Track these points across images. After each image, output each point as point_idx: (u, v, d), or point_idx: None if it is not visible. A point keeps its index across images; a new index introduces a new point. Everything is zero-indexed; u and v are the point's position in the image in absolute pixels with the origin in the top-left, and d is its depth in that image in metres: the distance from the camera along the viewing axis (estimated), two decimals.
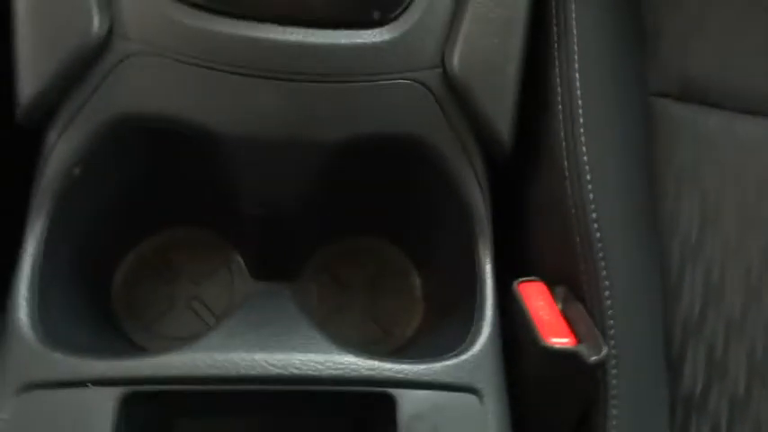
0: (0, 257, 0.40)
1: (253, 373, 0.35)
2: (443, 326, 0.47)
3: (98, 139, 0.39)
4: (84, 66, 0.38)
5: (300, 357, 0.36)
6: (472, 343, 0.39)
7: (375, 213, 0.50)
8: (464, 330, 0.41)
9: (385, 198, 0.48)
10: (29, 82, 0.38)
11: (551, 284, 0.44)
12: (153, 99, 0.39)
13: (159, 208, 0.48)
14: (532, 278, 0.44)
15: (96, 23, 0.38)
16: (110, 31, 0.38)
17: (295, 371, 0.36)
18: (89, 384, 0.34)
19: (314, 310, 0.50)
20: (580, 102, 0.44)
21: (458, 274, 0.46)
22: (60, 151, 0.39)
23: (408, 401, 0.36)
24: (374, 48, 0.40)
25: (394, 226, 0.51)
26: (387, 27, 0.41)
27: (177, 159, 0.44)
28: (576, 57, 0.45)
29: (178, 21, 0.38)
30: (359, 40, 0.40)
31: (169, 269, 0.50)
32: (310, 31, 0.39)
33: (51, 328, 0.36)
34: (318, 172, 0.43)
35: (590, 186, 0.43)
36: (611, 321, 0.41)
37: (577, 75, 0.44)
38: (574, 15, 0.45)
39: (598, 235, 0.42)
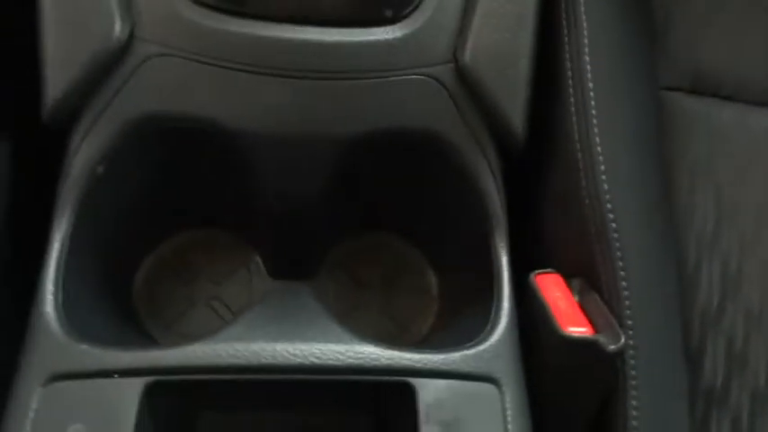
0: (26, 254, 0.41)
1: (273, 362, 0.35)
2: (459, 321, 0.47)
3: (121, 138, 0.40)
4: (106, 68, 0.39)
5: (320, 347, 0.36)
6: (490, 333, 0.40)
7: (390, 210, 0.51)
8: (481, 322, 0.42)
9: (399, 194, 0.49)
10: (54, 84, 0.39)
11: (567, 276, 0.44)
12: (173, 99, 0.40)
13: (178, 208, 0.49)
14: (548, 270, 0.44)
15: (118, 27, 0.39)
16: (131, 35, 0.39)
17: (315, 360, 0.36)
18: (115, 375, 0.34)
19: (331, 307, 0.51)
20: (592, 94, 0.44)
21: (473, 269, 0.47)
22: (84, 151, 0.40)
23: (428, 390, 0.37)
24: (387, 45, 0.41)
25: (408, 223, 0.52)
26: (399, 24, 0.41)
27: (196, 158, 0.45)
28: (586, 50, 0.45)
29: (196, 22, 0.40)
30: (372, 38, 0.41)
31: (188, 269, 0.51)
32: (324, 29, 0.40)
33: (76, 322, 0.37)
34: (334, 168, 0.44)
35: (604, 177, 0.43)
36: (628, 312, 0.41)
37: (588, 67, 0.45)
38: (583, 9, 0.46)
39: (613, 225, 0.42)
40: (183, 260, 0.51)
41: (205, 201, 0.49)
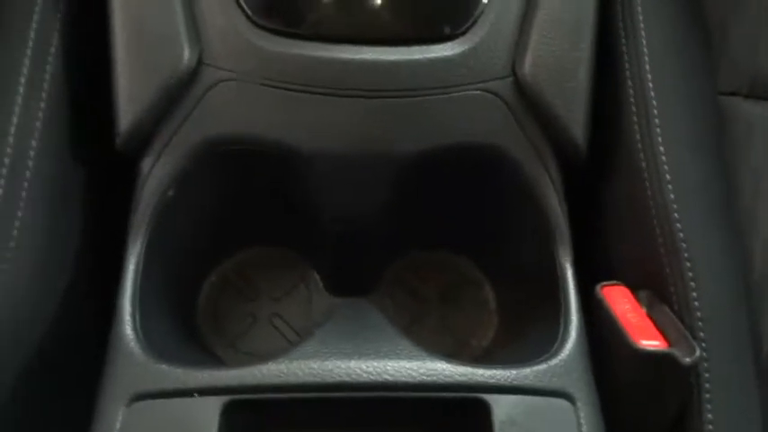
0: (102, 276, 0.42)
1: (348, 380, 0.36)
2: (523, 334, 0.47)
3: (190, 162, 0.41)
4: (176, 95, 0.41)
5: (393, 364, 0.37)
6: (561, 347, 0.39)
7: (448, 225, 0.51)
8: (549, 336, 0.41)
9: (458, 210, 0.49)
10: (127, 112, 0.41)
11: (633, 288, 0.44)
12: (239, 122, 0.41)
13: (241, 227, 0.50)
14: (614, 282, 0.44)
15: (187, 54, 0.40)
16: (199, 61, 0.41)
17: (389, 377, 0.36)
18: (195, 394, 0.35)
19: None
20: (654, 102, 0.44)
21: (535, 282, 0.46)
22: (155, 175, 0.41)
23: (502, 407, 0.36)
24: (446, 61, 0.41)
25: (466, 237, 0.52)
26: (457, 40, 0.42)
27: (260, 178, 0.45)
28: (645, 57, 0.45)
29: (260, 47, 0.40)
30: (431, 55, 0.41)
31: (250, 287, 0.52)
32: (384, 48, 0.41)
33: (153, 341, 0.38)
34: (394, 186, 0.44)
35: (670, 187, 0.42)
36: (700, 323, 0.40)
37: (649, 75, 0.44)
38: (641, 16, 0.46)
39: (681, 235, 0.41)
40: (244, 277, 0.52)
41: (267, 219, 0.50)
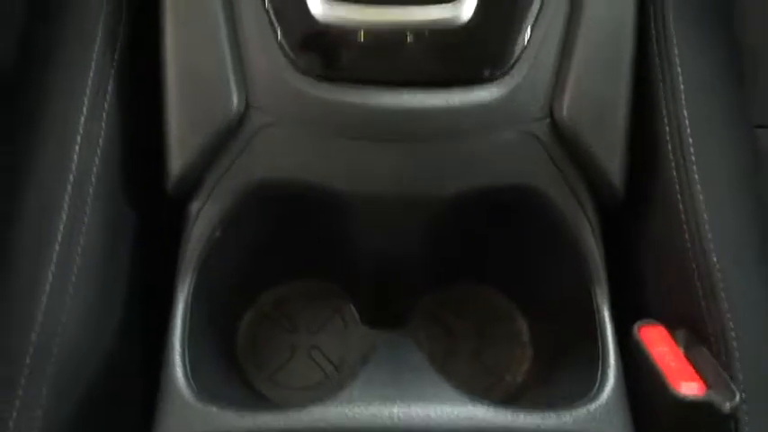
0: (152, 317, 0.43)
1: (394, 426, 0.36)
2: (560, 375, 0.47)
3: (237, 204, 0.43)
4: (225, 139, 0.42)
5: (436, 409, 0.37)
6: (600, 391, 0.40)
7: (483, 260, 0.52)
8: (586, 378, 0.41)
9: (495, 248, 0.50)
10: (178, 157, 0.42)
11: (670, 327, 0.44)
12: (285, 166, 0.42)
13: (281, 262, 0.51)
14: (651, 321, 0.44)
15: (235, 100, 0.41)
16: (246, 106, 0.42)
17: (432, 424, 0.37)
18: None
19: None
20: (691, 140, 0.44)
21: (571, 320, 0.47)
22: (204, 217, 0.42)
23: None
24: (485, 105, 0.42)
25: (501, 272, 0.52)
26: (496, 83, 0.42)
27: (302, 218, 0.47)
28: (682, 95, 0.45)
29: (302, 91, 0.41)
30: (471, 99, 0.42)
31: (287, 319, 0.53)
32: (423, 93, 0.42)
33: (201, 382, 0.39)
34: (432, 224, 0.45)
35: (707, 227, 0.42)
36: (739, 364, 0.40)
37: (686, 112, 0.44)
38: (677, 53, 0.46)
39: (719, 275, 0.42)
40: (281, 310, 0.53)
41: (306, 255, 0.51)
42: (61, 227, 0.39)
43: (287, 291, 0.53)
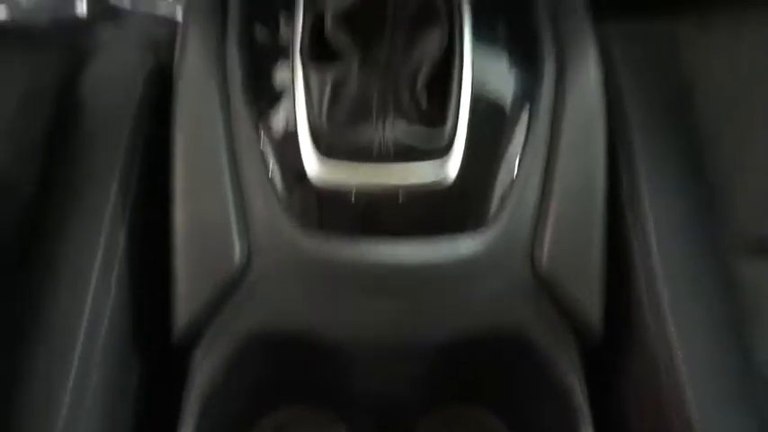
0: None
1: None
2: None
3: (238, 352, 0.45)
4: (228, 290, 0.44)
5: None
6: None
7: (476, 387, 0.54)
8: None
9: (486, 377, 0.52)
10: (184, 308, 0.44)
11: None
12: (284, 316, 0.45)
13: (279, 394, 0.53)
14: None
15: (238, 249, 0.43)
16: (248, 258, 0.44)
17: None
18: None
19: None
20: (666, 289, 0.45)
21: None
22: (206, 365, 0.45)
23: None
24: (469, 257, 0.44)
25: (492, 397, 0.54)
26: (479, 234, 0.44)
27: (300, 360, 0.49)
28: (653, 238, 0.47)
29: (299, 244, 0.43)
30: (456, 253, 0.44)
31: None
32: (410, 246, 0.43)
33: None
34: (425, 364, 0.48)
35: (684, 368, 0.44)
36: None
37: (658, 256, 0.46)
38: (647, 195, 0.48)
39: (697, 416, 0.43)
40: None
41: (304, 386, 0.53)
42: (72, 375, 0.41)
43: (286, 416, 0.55)
